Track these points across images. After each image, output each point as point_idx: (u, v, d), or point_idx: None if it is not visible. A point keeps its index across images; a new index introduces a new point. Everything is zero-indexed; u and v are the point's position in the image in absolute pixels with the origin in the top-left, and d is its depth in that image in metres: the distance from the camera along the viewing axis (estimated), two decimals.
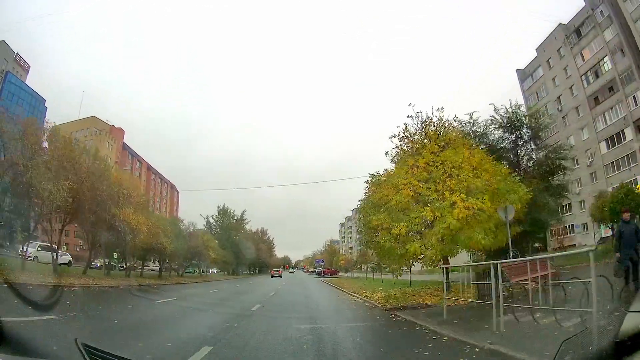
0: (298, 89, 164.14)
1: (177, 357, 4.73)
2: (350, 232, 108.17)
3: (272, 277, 46.46)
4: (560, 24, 36.82)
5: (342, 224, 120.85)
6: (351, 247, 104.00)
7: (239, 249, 49.50)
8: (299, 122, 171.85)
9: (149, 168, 71.03)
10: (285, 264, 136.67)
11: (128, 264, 24.79)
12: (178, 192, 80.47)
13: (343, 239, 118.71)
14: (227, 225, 53.85)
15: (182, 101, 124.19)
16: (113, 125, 59.99)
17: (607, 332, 3.16)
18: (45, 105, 46.33)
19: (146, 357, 4.45)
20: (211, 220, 54.26)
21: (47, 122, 19.04)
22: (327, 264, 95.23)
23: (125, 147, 62.63)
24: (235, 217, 56.75)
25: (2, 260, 14.44)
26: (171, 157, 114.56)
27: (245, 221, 58.92)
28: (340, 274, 56.29)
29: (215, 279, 37.50)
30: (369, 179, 14.00)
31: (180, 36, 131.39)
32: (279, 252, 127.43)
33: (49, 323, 5.97)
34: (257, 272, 74.50)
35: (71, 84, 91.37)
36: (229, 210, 55.42)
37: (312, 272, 78.54)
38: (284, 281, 35.41)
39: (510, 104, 18.62)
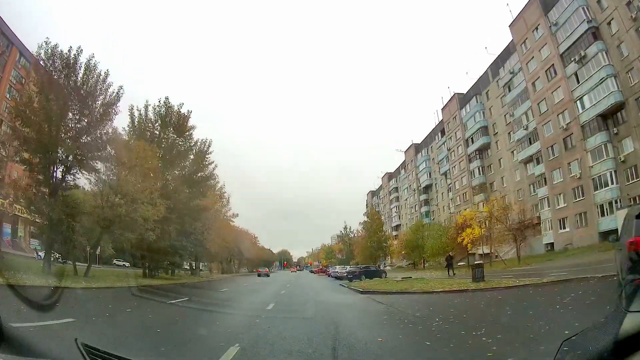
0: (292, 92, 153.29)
1: None
2: (397, 199, 64.97)
3: (258, 275, 45.48)
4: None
5: (373, 193, 78.18)
6: (399, 225, 61.58)
7: None
8: (307, 121, 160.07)
9: None
10: (284, 260, 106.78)
11: None
12: (26, 58, 33.88)
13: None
14: None
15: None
16: None
17: (607, 332, 2.51)
18: None
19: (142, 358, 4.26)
20: None
21: None
22: (364, 254, 53.59)
23: None
24: None
25: None
26: None
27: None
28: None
29: None
30: None
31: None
32: (275, 248, 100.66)
33: None
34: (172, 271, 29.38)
35: None
36: None
37: (351, 275, 34.75)
38: None
39: None
